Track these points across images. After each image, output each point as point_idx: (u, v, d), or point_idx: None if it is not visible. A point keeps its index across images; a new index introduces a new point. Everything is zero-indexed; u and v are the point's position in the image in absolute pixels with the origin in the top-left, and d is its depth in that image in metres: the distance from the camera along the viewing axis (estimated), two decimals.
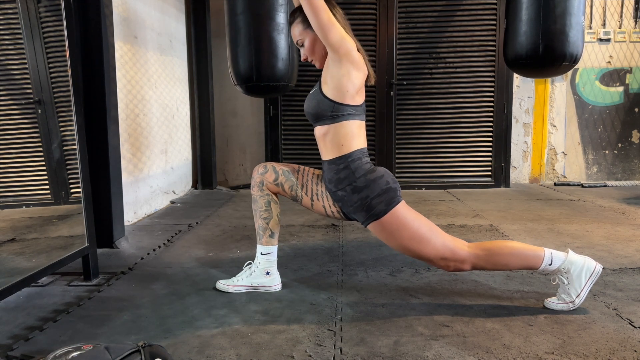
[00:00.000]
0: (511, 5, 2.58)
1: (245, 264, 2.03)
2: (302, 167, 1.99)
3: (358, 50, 1.74)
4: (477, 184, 4.58)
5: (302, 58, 1.85)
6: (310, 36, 1.77)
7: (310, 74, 4.49)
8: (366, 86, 1.80)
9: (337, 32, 1.64)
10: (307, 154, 4.56)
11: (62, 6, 1.99)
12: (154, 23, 3.72)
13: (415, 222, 1.70)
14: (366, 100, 1.87)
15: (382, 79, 4.47)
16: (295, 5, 1.81)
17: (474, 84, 4.48)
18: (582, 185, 4.72)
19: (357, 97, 1.75)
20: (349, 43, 1.67)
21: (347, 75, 1.69)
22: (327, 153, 1.81)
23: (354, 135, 1.77)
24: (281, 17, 2.51)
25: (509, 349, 1.47)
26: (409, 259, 2.33)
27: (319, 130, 1.82)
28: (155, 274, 2.22)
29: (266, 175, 1.93)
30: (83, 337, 1.58)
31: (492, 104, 4.50)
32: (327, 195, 1.84)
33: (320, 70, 1.81)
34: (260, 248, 1.96)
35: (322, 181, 1.88)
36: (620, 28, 4.75)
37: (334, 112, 1.73)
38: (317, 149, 1.87)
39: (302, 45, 1.80)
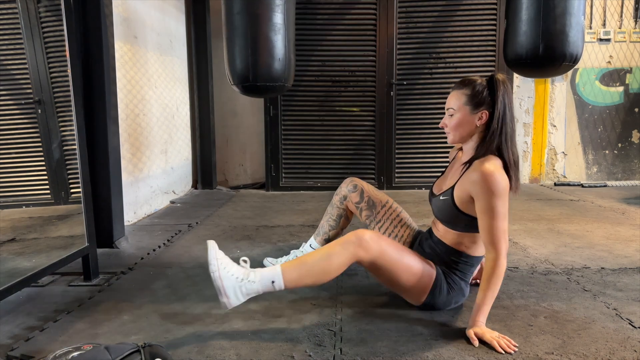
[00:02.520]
0: (511, 5, 2.58)
1: (292, 251, 2.23)
2: (392, 202, 1.99)
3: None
4: None
5: (441, 124, 1.70)
6: (465, 115, 1.62)
7: (310, 74, 4.49)
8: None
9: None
10: (307, 154, 4.56)
11: (62, 6, 1.99)
12: (154, 23, 3.72)
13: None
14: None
15: (382, 79, 4.47)
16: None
17: None
18: (582, 185, 4.72)
19: None
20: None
21: None
22: (445, 238, 1.73)
23: (480, 244, 1.68)
24: (278, 18, 2.51)
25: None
26: None
27: (444, 228, 1.73)
28: (155, 274, 2.22)
29: (352, 195, 2.02)
30: (83, 337, 1.58)
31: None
32: (397, 239, 1.91)
33: None
34: (313, 243, 2.15)
35: (410, 230, 1.94)
36: (620, 28, 4.75)
37: (469, 226, 1.65)
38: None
39: (451, 115, 1.66)
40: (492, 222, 1.52)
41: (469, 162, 1.62)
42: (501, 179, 1.52)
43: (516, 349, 1.46)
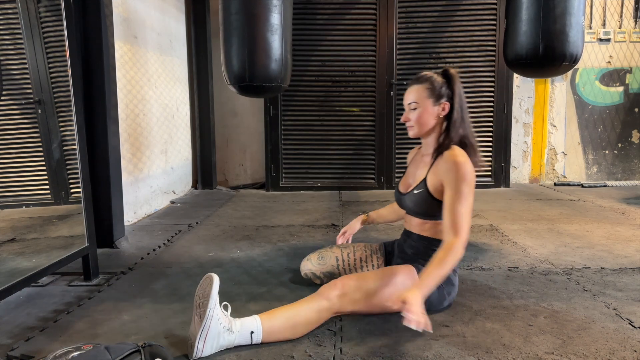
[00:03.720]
0: (511, 5, 2.58)
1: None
2: (342, 254, 2.00)
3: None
4: (477, 184, 4.56)
5: (403, 119, 1.76)
6: (428, 108, 1.70)
7: (310, 74, 4.49)
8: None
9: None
10: (307, 154, 4.56)
11: (62, 6, 1.99)
12: (154, 23, 3.72)
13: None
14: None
15: (382, 79, 4.47)
16: None
17: (474, 84, 4.48)
18: (582, 185, 4.72)
19: None
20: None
21: None
22: (424, 231, 1.78)
23: None
24: (275, 18, 2.51)
25: (509, 349, 1.47)
26: None
27: (420, 222, 1.78)
28: (155, 274, 2.22)
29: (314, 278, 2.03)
30: (83, 337, 1.58)
31: (492, 104, 4.50)
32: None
33: None
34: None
35: (375, 252, 1.98)
36: (620, 28, 4.75)
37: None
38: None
39: (414, 109, 1.72)
40: (458, 208, 1.59)
41: (438, 153, 1.70)
42: (471, 169, 1.63)
43: (428, 331, 1.41)
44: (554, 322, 1.65)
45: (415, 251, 1.79)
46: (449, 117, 1.70)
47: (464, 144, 1.70)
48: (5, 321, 1.72)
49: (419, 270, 1.69)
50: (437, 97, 1.69)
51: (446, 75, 1.71)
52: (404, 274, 1.68)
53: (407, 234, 1.87)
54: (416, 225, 1.80)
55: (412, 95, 1.72)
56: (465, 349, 1.47)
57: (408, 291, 1.45)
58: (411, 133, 1.76)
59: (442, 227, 1.69)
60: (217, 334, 1.42)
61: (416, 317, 1.36)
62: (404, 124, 1.78)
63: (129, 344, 1.30)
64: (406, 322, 1.36)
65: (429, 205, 1.71)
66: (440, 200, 1.68)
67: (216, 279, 1.46)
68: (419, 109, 1.71)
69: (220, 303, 1.47)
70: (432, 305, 1.71)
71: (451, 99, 1.70)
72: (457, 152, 1.65)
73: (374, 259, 1.97)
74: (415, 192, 1.74)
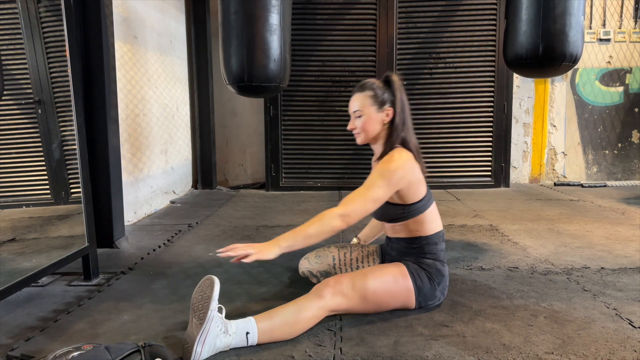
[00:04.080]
0: (511, 5, 2.58)
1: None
2: (340, 255, 2.02)
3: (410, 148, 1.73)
4: (477, 184, 4.58)
5: (349, 127, 1.80)
6: (372, 114, 1.74)
7: (310, 74, 4.49)
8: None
9: (382, 195, 1.63)
10: (307, 154, 4.56)
11: (62, 6, 1.99)
12: (154, 23, 3.72)
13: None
14: None
15: None
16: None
17: (474, 84, 4.48)
18: (582, 185, 4.72)
19: (420, 189, 1.72)
20: (402, 179, 1.65)
21: (407, 188, 1.69)
22: (398, 233, 1.82)
23: (428, 222, 1.76)
24: (274, 18, 2.51)
25: (508, 349, 1.47)
26: None
27: (391, 226, 1.83)
28: (155, 274, 2.22)
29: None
30: (83, 337, 1.58)
31: (492, 104, 4.50)
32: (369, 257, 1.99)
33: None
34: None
35: (371, 254, 2.00)
36: (620, 28, 4.75)
37: (406, 213, 1.73)
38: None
39: (358, 117, 1.76)
40: (362, 190, 1.62)
41: (380, 158, 1.73)
42: (400, 168, 1.63)
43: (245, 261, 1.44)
44: (554, 322, 1.65)
45: (397, 252, 1.84)
46: (392, 122, 1.74)
47: (408, 149, 1.73)
48: (5, 321, 1.72)
49: (408, 267, 1.72)
50: (380, 103, 1.73)
51: (388, 82, 1.76)
52: (394, 271, 1.71)
53: (387, 237, 1.94)
54: (389, 229, 1.85)
55: (356, 103, 1.76)
56: (465, 349, 1.47)
57: (263, 244, 1.49)
58: (358, 140, 1.80)
59: (413, 226, 1.75)
60: (215, 337, 1.42)
61: (235, 251, 1.43)
62: None
63: (129, 344, 1.30)
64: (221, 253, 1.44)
65: (389, 210, 1.74)
66: (397, 203, 1.72)
67: (217, 282, 1.46)
68: (364, 116, 1.74)
69: (220, 303, 1.47)
70: (425, 297, 1.73)
71: (393, 104, 1.73)
72: (397, 152, 1.68)
73: (370, 259, 1.98)
74: None
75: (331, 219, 1.56)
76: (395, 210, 1.73)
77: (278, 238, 1.53)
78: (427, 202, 1.75)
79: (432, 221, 1.76)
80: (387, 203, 1.71)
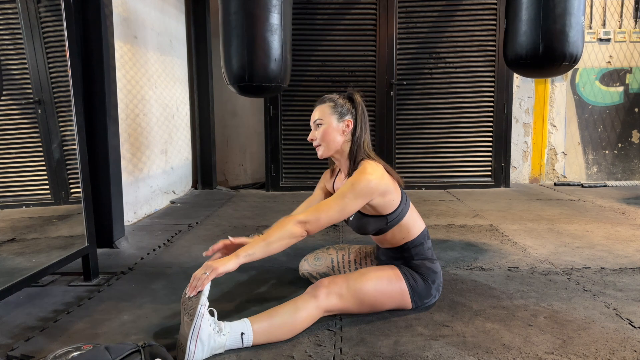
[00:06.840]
0: (511, 5, 2.58)
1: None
2: (337, 256, 2.04)
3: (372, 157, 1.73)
4: (477, 184, 4.58)
5: (309, 138, 1.79)
6: (332, 124, 1.73)
7: (310, 74, 4.49)
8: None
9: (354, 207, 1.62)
10: (307, 154, 4.56)
11: (62, 6, 1.99)
12: (154, 23, 3.72)
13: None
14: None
15: (382, 79, 4.47)
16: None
17: (474, 84, 4.48)
18: (582, 185, 4.72)
19: (395, 196, 1.71)
20: (373, 191, 1.63)
21: (383, 197, 1.68)
22: (384, 243, 1.83)
23: (411, 226, 1.76)
24: (275, 18, 2.51)
25: (508, 349, 1.47)
26: None
27: (376, 238, 1.84)
28: (155, 274, 2.22)
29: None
30: (83, 337, 1.58)
31: (492, 104, 4.50)
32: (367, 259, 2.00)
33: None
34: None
35: (369, 254, 2.01)
36: (620, 28, 4.75)
37: (389, 222, 1.73)
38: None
39: (318, 126, 1.76)
40: (330, 202, 1.60)
41: (352, 171, 1.71)
42: (370, 176, 1.61)
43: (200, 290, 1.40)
44: (554, 322, 1.65)
45: (387, 258, 1.85)
46: (353, 135, 1.75)
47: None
48: (5, 321, 1.72)
49: (401, 269, 1.74)
50: (340, 114, 1.74)
51: (350, 98, 1.78)
52: (389, 272, 1.72)
53: (376, 246, 1.95)
54: (376, 240, 1.86)
55: (317, 113, 1.76)
56: (465, 349, 1.47)
57: (222, 259, 1.47)
58: (319, 153, 1.78)
59: (397, 235, 1.75)
60: (208, 336, 1.40)
61: (195, 282, 1.40)
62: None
63: (129, 344, 1.30)
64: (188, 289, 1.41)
65: (369, 224, 1.74)
66: (374, 214, 1.71)
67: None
68: (324, 125, 1.74)
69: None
70: (421, 296, 1.73)
71: (354, 118, 1.75)
72: (368, 164, 1.66)
73: (367, 261, 1.99)
74: (351, 218, 1.77)
75: (291, 226, 1.57)
76: (377, 222, 1.72)
77: (235, 255, 1.48)
78: (405, 205, 1.75)
79: (414, 224, 1.76)
80: (368, 216, 1.72)
